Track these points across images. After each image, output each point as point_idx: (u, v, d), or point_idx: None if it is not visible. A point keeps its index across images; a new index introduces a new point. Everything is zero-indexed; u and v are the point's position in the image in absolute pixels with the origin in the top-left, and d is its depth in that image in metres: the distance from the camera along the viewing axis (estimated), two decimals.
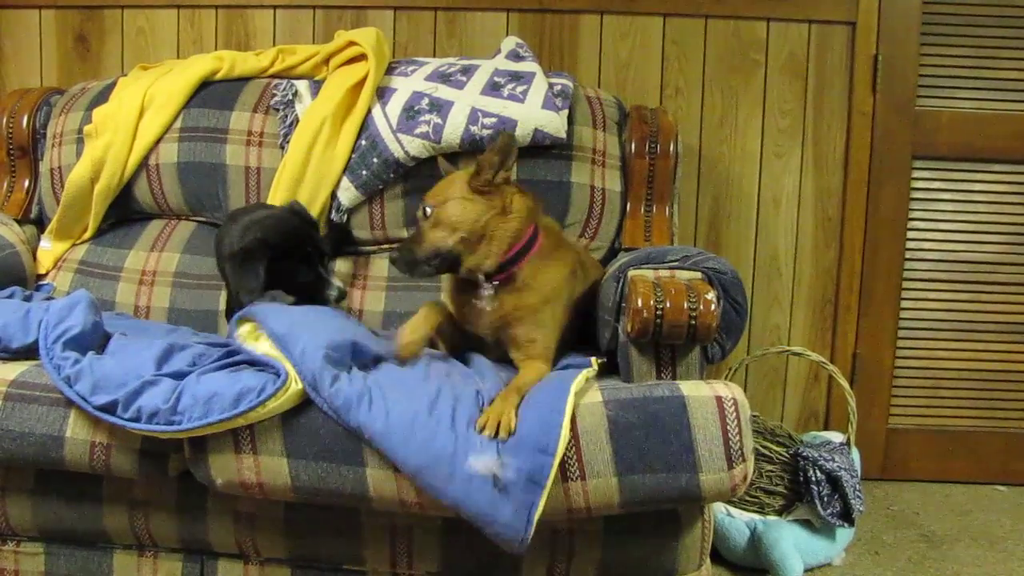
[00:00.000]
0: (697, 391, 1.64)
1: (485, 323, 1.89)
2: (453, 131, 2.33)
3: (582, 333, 1.99)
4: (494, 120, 2.33)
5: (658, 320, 1.69)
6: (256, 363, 1.70)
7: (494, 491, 1.53)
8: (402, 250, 1.85)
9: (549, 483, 1.54)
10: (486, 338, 1.91)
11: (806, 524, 2.30)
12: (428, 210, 1.84)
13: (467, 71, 2.46)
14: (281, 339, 1.70)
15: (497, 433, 1.57)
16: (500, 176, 1.83)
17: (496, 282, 1.86)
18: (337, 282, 2.03)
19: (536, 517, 1.54)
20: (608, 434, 1.59)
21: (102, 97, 2.55)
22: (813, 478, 2.25)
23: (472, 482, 1.54)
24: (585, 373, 1.75)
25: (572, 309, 1.95)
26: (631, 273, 1.84)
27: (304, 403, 1.65)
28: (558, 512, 1.58)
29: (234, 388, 1.62)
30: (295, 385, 1.63)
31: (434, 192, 1.89)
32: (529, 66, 2.50)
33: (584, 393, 1.67)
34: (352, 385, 1.64)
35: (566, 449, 1.57)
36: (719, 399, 1.62)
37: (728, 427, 1.59)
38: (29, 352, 1.80)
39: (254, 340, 1.74)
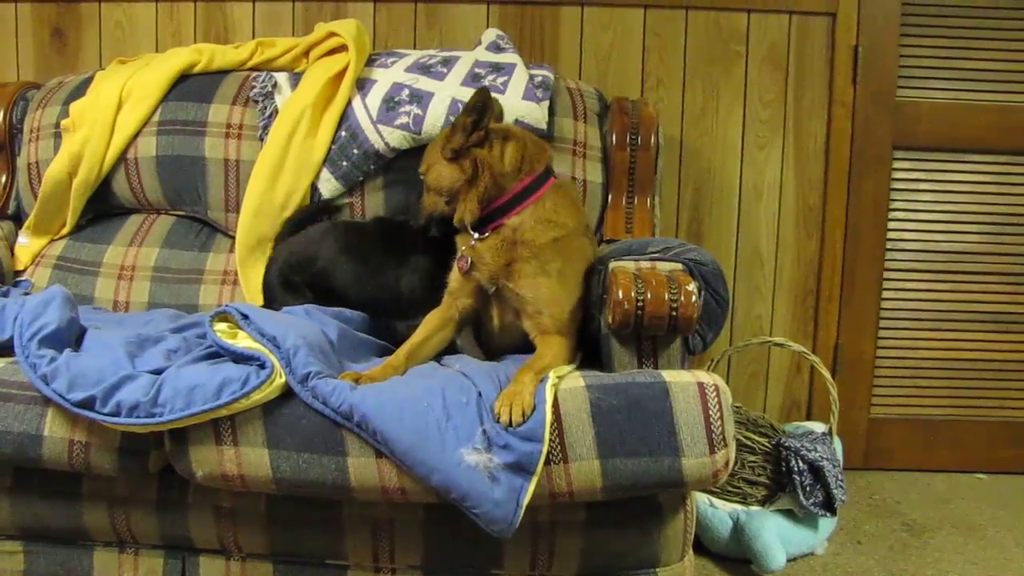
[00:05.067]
0: (679, 377, 1.64)
1: (485, 277, 1.89)
2: (434, 122, 2.32)
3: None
4: None
5: (639, 312, 1.69)
6: (237, 357, 1.69)
7: (485, 474, 1.53)
8: (411, 214, 2.11)
9: (539, 470, 1.55)
10: (489, 289, 1.90)
11: (789, 514, 2.31)
12: (422, 176, 2.01)
13: (447, 62, 2.45)
14: (268, 334, 1.70)
15: (511, 421, 1.56)
16: (474, 137, 1.88)
17: (484, 234, 1.88)
18: None
19: (525, 502, 1.55)
20: (591, 417, 1.59)
21: (79, 91, 2.52)
22: (795, 468, 2.26)
23: (463, 463, 1.54)
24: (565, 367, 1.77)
25: (584, 284, 1.93)
26: (612, 265, 1.84)
27: (285, 394, 1.65)
28: (541, 496, 1.58)
29: (216, 379, 1.61)
30: (280, 378, 1.63)
31: (424, 157, 2.03)
32: (509, 57, 2.49)
33: (566, 379, 1.68)
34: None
35: (550, 434, 1.57)
36: (701, 385, 1.62)
37: (710, 413, 1.60)
38: (4, 348, 1.78)
39: (232, 337, 1.73)
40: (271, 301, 2.17)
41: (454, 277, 1.95)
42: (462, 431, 1.56)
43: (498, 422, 1.57)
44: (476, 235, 1.89)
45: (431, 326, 1.90)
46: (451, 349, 1.97)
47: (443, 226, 1.98)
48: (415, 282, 2.08)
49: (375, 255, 2.12)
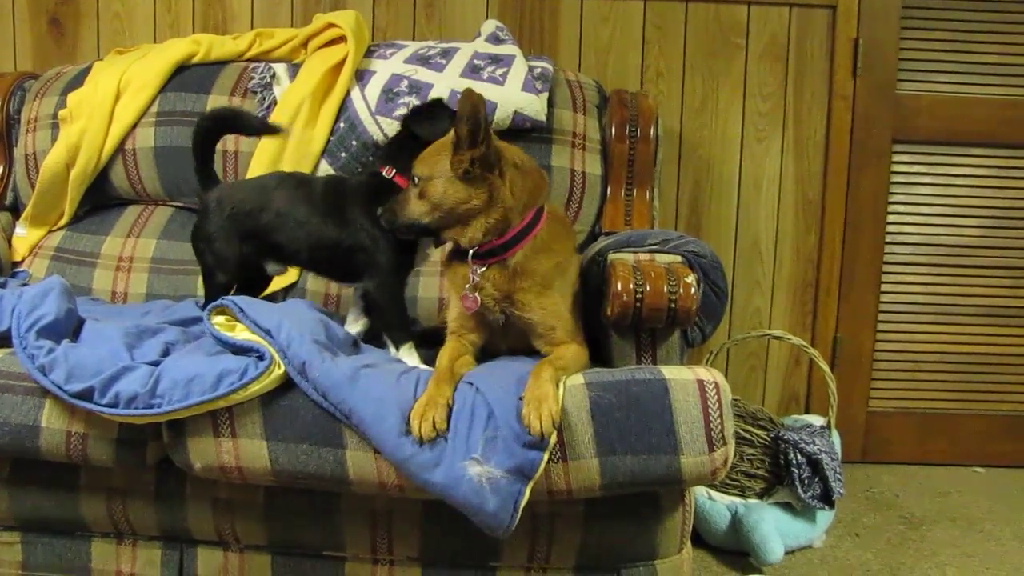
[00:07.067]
0: (679, 374, 1.63)
1: (490, 308, 1.81)
2: None
3: None
4: None
5: (638, 304, 1.69)
6: (236, 349, 1.69)
7: (481, 483, 1.52)
8: (387, 211, 1.82)
9: (538, 475, 1.54)
10: (493, 318, 1.82)
11: (787, 507, 2.31)
12: (416, 179, 1.78)
13: (447, 54, 2.45)
14: (265, 327, 1.69)
15: (542, 432, 1.51)
16: (479, 151, 1.69)
17: (485, 266, 1.78)
18: None
19: (522, 506, 1.54)
20: (590, 415, 1.58)
21: (77, 82, 2.52)
22: (794, 461, 2.26)
23: (465, 476, 1.53)
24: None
25: (578, 293, 1.88)
26: (611, 257, 1.83)
27: (283, 386, 1.64)
28: (539, 494, 1.58)
29: (214, 370, 1.60)
30: (278, 369, 1.62)
31: (426, 160, 1.80)
32: (509, 49, 2.48)
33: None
34: (340, 368, 1.63)
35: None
36: (700, 382, 1.61)
37: (709, 410, 1.59)
38: (2, 339, 1.77)
39: (230, 329, 1.73)
40: (208, 249, 2.01)
41: (453, 315, 1.87)
42: (462, 443, 1.55)
43: (529, 433, 1.52)
44: (479, 268, 1.79)
45: (447, 357, 1.80)
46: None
47: (416, 234, 1.85)
48: (360, 242, 1.92)
49: (321, 210, 1.96)
